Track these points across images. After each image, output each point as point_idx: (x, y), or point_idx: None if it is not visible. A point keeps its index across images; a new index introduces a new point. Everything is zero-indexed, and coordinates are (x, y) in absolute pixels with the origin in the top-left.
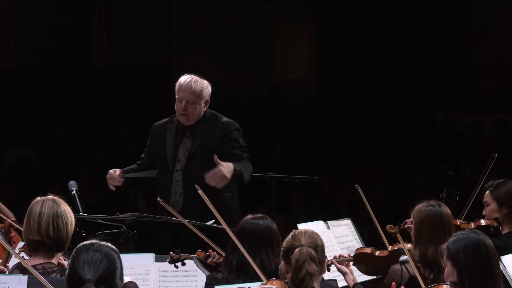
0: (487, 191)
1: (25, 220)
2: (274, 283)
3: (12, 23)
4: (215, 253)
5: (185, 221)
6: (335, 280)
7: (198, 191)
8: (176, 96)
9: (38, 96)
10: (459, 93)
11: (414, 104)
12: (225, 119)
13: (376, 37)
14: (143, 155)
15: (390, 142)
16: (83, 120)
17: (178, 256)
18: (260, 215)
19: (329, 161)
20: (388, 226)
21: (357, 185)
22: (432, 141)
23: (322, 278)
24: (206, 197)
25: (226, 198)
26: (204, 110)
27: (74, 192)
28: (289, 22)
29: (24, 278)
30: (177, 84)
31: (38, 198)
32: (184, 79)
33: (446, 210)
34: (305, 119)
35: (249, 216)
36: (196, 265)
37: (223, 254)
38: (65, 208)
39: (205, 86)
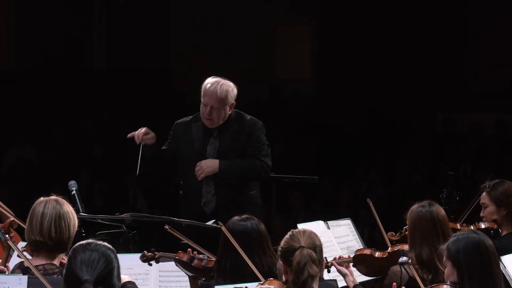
0: (484, 193)
1: (27, 220)
2: (272, 283)
3: (12, 23)
4: (195, 252)
5: (196, 246)
6: (335, 280)
7: (222, 227)
8: (202, 100)
9: (38, 96)
10: (459, 93)
11: (414, 104)
12: (249, 117)
13: (376, 37)
14: (165, 148)
15: (390, 142)
16: (83, 120)
17: (152, 254)
18: (246, 216)
19: (329, 161)
20: (389, 234)
21: (368, 199)
22: (432, 141)
23: (322, 278)
24: (229, 233)
25: (252, 196)
26: (229, 112)
27: (74, 192)
28: (289, 22)
29: (24, 278)
30: (202, 87)
31: (41, 198)
32: (210, 83)
33: (438, 209)
34: (305, 119)
35: (236, 218)
36: (177, 266)
37: (210, 256)
38: (68, 209)
39: (230, 90)
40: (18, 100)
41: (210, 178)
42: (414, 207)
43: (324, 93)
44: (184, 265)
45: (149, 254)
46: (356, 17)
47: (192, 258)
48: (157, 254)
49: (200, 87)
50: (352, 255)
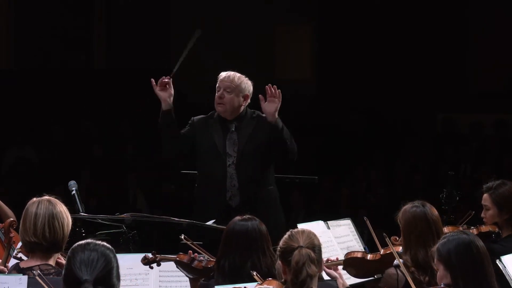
0: (486, 194)
1: (21, 221)
2: (271, 283)
3: (12, 23)
4: (196, 254)
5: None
6: (335, 280)
7: (254, 276)
8: (216, 89)
9: (38, 96)
10: (459, 93)
11: (414, 104)
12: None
13: (376, 37)
14: (183, 132)
15: (390, 142)
16: (83, 120)
17: (153, 257)
18: (248, 216)
19: (329, 161)
20: (393, 238)
21: (365, 217)
22: (432, 141)
23: (322, 278)
24: (260, 278)
25: (271, 191)
26: (243, 105)
27: (74, 192)
28: (289, 22)
29: (24, 278)
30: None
31: (34, 199)
32: (225, 72)
33: (431, 209)
34: (305, 119)
35: (237, 218)
36: (177, 267)
37: (210, 257)
38: (61, 208)
39: (245, 81)
40: (18, 100)
41: (233, 172)
42: (407, 207)
43: (324, 93)
44: (184, 266)
45: (151, 257)
46: (356, 17)
47: (192, 259)
48: (158, 256)
49: (200, 87)
50: (341, 258)
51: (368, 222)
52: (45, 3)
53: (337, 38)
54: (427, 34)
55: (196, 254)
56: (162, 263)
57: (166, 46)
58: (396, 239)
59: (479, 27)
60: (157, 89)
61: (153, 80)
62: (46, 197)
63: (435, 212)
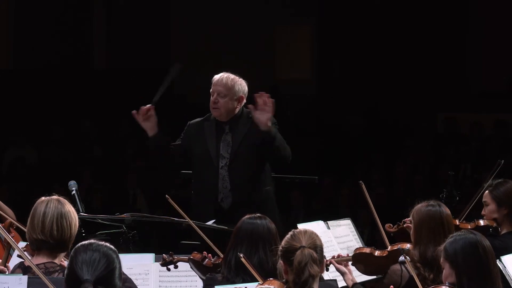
0: (486, 191)
1: (29, 220)
2: (272, 283)
3: (12, 23)
4: (210, 254)
5: (191, 222)
6: (335, 280)
7: (242, 259)
8: (210, 92)
9: (38, 96)
10: (459, 93)
11: (415, 104)
12: None
13: (376, 37)
14: (176, 143)
15: (390, 142)
16: (83, 120)
17: (171, 258)
18: (258, 215)
19: (329, 161)
20: (387, 225)
21: (360, 181)
22: (432, 141)
23: (322, 278)
24: (249, 263)
25: (266, 192)
26: (238, 107)
27: (74, 192)
28: (289, 22)
29: (24, 278)
30: (212, 81)
31: (43, 198)
32: (219, 74)
33: (446, 210)
34: (305, 119)
35: (246, 216)
36: (191, 267)
37: (221, 255)
38: (69, 208)
39: (239, 83)
40: (18, 100)
41: (225, 174)
42: (422, 205)
43: (324, 93)
44: (197, 265)
45: (169, 258)
46: (356, 17)
47: (204, 258)
48: (176, 258)
49: (200, 87)
50: (351, 255)
51: (363, 186)
52: (45, 3)
53: (337, 38)
54: (428, 34)
55: (210, 254)
56: (172, 265)
57: (166, 46)
58: (390, 226)
59: (479, 27)
60: (140, 120)
61: (134, 112)
62: (55, 196)
63: (449, 212)
